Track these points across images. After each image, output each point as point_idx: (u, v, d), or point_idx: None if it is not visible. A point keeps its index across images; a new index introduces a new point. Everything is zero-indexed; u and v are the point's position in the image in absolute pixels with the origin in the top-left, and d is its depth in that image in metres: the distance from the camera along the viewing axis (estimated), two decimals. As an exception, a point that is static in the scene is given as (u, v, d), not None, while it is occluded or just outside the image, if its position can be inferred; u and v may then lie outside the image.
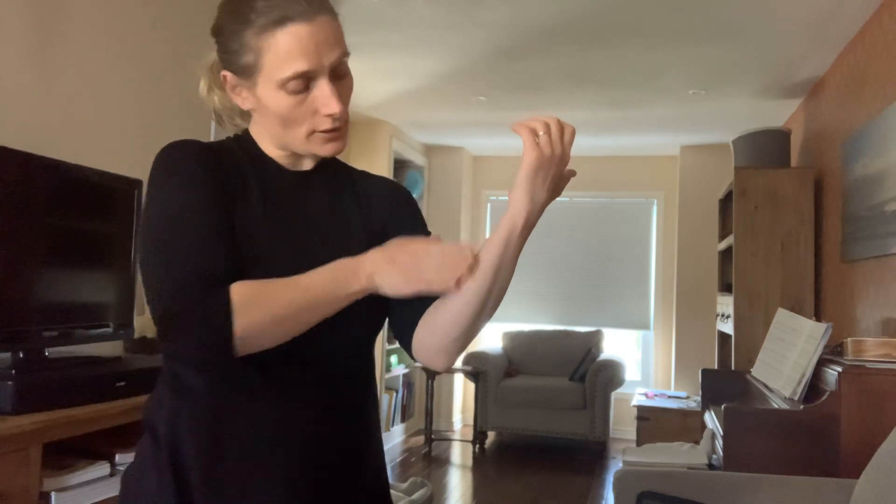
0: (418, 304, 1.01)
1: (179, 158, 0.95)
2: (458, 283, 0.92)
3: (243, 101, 1.01)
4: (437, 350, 1.00)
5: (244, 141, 1.06)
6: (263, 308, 0.87)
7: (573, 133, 0.92)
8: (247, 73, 0.97)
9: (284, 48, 0.92)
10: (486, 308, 0.96)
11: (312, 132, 0.98)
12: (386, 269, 0.91)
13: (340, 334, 0.98)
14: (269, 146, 1.05)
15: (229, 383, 0.94)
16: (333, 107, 0.95)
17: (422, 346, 1.02)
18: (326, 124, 0.97)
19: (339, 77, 0.98)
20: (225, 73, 1.00)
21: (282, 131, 0.99)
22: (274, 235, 0.98)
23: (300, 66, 0.92)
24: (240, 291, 0.87)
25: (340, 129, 0.99)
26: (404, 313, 1.03)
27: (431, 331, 1.00)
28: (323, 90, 0.95)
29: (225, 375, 0.95)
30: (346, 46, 0.98)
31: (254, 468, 0.93)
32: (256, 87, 0.97)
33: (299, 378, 0.96)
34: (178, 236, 0.90)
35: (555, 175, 0.92)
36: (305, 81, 0.94)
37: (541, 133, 0.90)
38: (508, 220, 0.93)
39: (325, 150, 0.99)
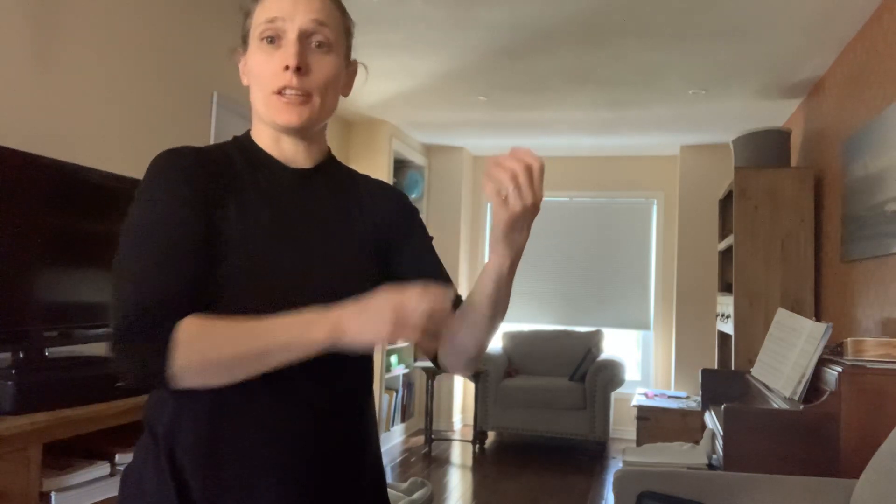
0: None
1: (164, 171, 0.96)
2: (422, 337, 0.83)
3: (244, 75, 1.05)
4: (458, 367, 1.09)
5: (243, 141, 1.07)
6: (208, 350, 0.85)
7: (542, 169, 0.87)
8: (245, 39, 1.04)
9: (267, 4, 1.01)
10: (491, 332, 1.02)
11: (274, 91, 0.99)
12: (353, 317, 0.83)
13: None
14: (268, 143, 1.05)
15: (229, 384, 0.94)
16: (290, 57, 0.97)
17: (446, 364, 1.10)
18: (284, 79, 0.98)
19: (317, 48, 1.00)
20: (238, 48, 1.07)
21: (255, 93, 1.02)
22: (274, 234, 0.98)
23: (272, 13, 0.99)
24: (188, 330, 0.86)
25: (301, 94, 0.99)
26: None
27: (451, 354, 1.07)
28: (286, 44, 0.98)
29: None
30: (330, 21, 1.01)
31: (253, 468, 0.93)
32: (248, 52, 1.03)
33: (300, 378, 0.96)
34: (138, 257, 0.91)
35: (531, 218, 0.90)
36: (275, 33, 0.99)
37: (510, 189, 0.86)
38: (494, 268, 0.95)
39: (282, 115, 0.99)
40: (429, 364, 5.09)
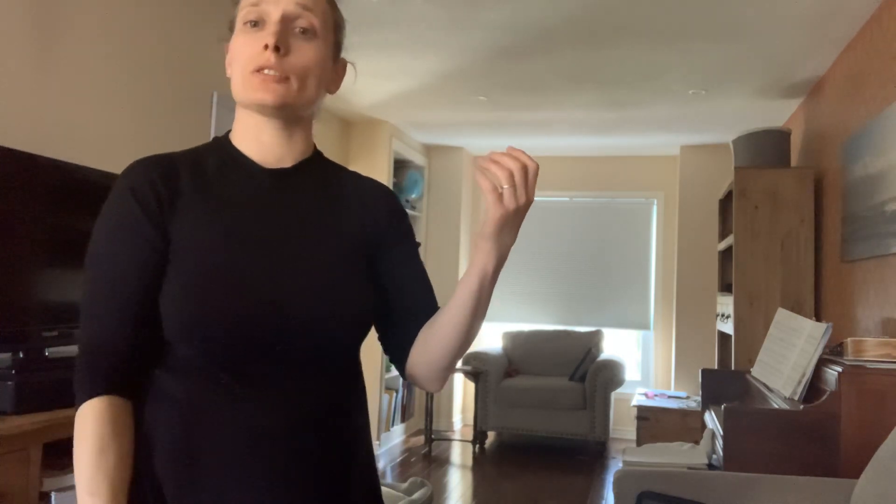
0: (407, 332, 1.06)
1: (119, 197, 0.96)
2: None
3: (228, 65, 1.04)
4: (429, 379, 1.05)
5: (221, 143, 1.05)
6: (76, 441, 0.91)
7: (537, 171, 0.88)
8: (231, 27, 1.03)
9: None
10: (469, 340, 1.00)
11: (252, 71, 0.97)
12: None
13: (323, 339, 0.97)
14: (249, 139, 1.03)
15: (206, 387, 0.93)
16: (268, 37, 0.96)
17: (415, 373, 1.06)
18: (262, 60, 0.97)
19: (301, 33, 0.99)
20: (226, 43, 1.05)
21: (234, 76, 1.01)
22: (240, 240, 0.96)
23: None
24: (84, 415, 0.91)
25: (279, 75, 0.97)
26: (396, 339, 1.08)
27: (421, 363, 1.04)
28: (268, 25, 0.98)
29: (202, 379, 0.93)
30: (316, 8, 1.00)
31: (228, 474, 0.91)
32: (232, 39, 1.02)
33: (280, 382, 0.94)
34: (89, 293, 0.95)
35: (521, 218, 0.91)
36: (259, 15, 0.98)
37: (505, 186, 0.87)
38: (479, 269, 0.93)
39: (258, 93, 0.97)
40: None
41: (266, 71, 0.96)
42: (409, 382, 1.09)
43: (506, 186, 0.87)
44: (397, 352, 1.08)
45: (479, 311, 0.96)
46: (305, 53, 0.99)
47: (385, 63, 3.98)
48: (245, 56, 0.98)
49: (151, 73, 2.77)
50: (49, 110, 2.29)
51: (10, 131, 2.12)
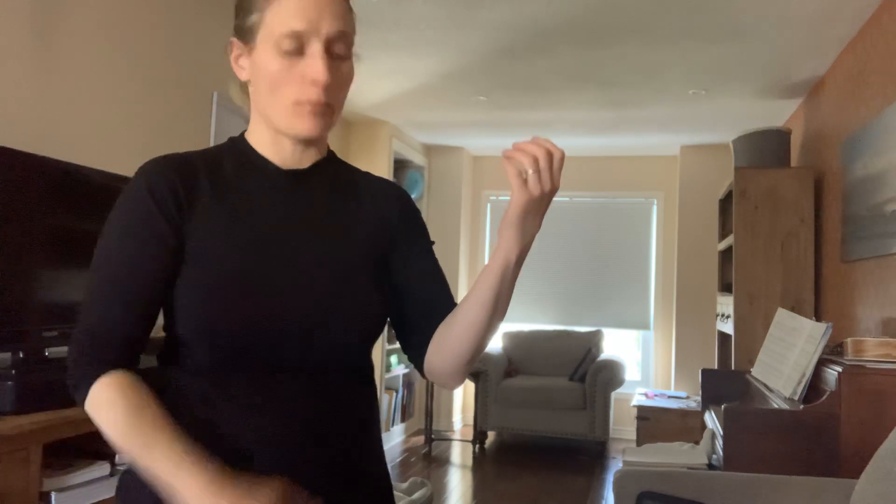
0: (424, 330, 1.05)
1: (134, 195, 0.95)
2: None
3: (242, 69, 1.01)
4: (449, 374, 1.03)
5: (237, 143, 1.04)
6: (104, 422, 0.90)
7: (562, 159, 0.88)
8: (250, 35, 0.98)
9: (286, 7, 0.94)
10: (489, 334, 0.98)
11: (296, 102, 0.95)
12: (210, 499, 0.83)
13: (333, 342, 0.97)
14: (266, 143, 1.02)
15: (218, 390, 0.94)
16: (320, 72, 0.93)
17: (434, 371, 1.05)
18: (311, 93, 0.94)
19: (337, 57, 0.97)
20: (232, 39, 1.01)
21: (268, 99, 0.97)
22: (256, 242, 0.96)
23: (296, 24, 0.93)
24: (100, 393, 0.90)
25: (325, 106, 0.96)
26: (414, 338, 1.07)
27: (441, 359, 1.02)
28: (314, 57, 0.94)
29: (214, 381, 0.94)
30: (349, 28, 0.98)
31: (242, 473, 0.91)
32: (254, 51, 0.97)
33: (290, 385, 0.95)
34: (96, 285, 0.94)
35: (545, 206, 0.90)
36: (299, 43, 0.94)
37: (530, 172, 0.86)
38: (501, 258, 0.92)
39: (305, 125, 0.96)
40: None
41: (311, 101, 0.95)
42: (429, 380, 1.07)
43: (530, 172, 0.86)
44: (415, 350, 1.07)
45: (499, 304, 0.95)
46: (343, 78, 0.98)
47: (385, 63, 3.98)
48: (286, 85, 0.95)
49: (151, 73, 2.77)
50: (49, 110, 2.29)
51: (10, 131, 2.12)
